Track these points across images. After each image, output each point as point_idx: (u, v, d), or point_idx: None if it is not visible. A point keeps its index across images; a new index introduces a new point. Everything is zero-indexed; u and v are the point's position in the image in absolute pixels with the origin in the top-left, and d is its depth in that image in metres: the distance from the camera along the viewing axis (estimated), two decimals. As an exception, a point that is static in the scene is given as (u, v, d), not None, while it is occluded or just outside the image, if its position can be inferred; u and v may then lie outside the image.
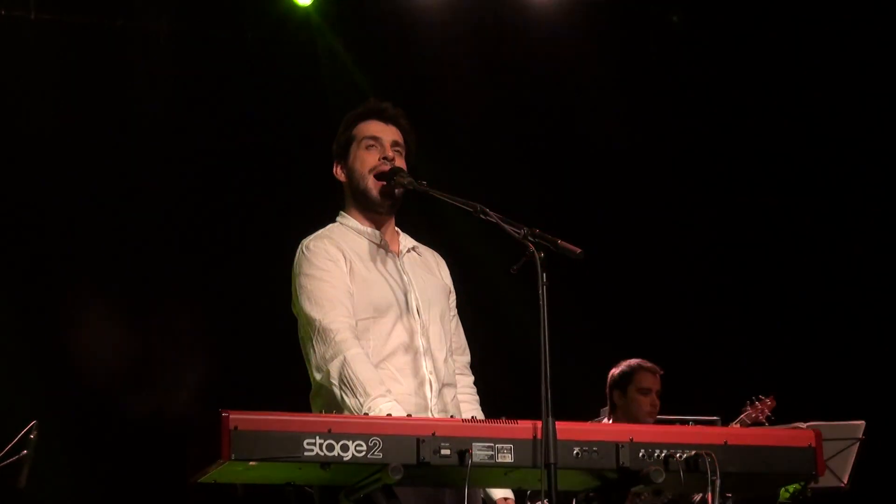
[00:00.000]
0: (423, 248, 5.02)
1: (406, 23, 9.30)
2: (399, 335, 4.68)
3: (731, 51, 9.92)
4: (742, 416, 8.04)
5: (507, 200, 5.35)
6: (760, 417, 8.04)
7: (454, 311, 5.01)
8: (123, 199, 8.67)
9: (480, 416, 4.83)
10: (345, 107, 8.87)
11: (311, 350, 4.60)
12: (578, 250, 4.18)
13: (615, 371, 7.88)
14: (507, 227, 4.29)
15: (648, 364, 7.89)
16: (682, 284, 9.90)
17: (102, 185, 8.64)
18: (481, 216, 4.43)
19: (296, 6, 9.13)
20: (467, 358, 5.03)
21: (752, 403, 8.06)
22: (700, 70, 9.98)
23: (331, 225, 4.90)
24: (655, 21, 9.90)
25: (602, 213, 9.77)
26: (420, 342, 4.71)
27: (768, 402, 8.06)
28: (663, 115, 9.84)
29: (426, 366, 4.69)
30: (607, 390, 7.86)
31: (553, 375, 4.00)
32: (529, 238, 4.18)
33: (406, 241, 4.96)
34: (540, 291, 4.06)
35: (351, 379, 4.41)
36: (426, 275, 4.90)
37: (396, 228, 4.96)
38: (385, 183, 4.77)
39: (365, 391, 4.37)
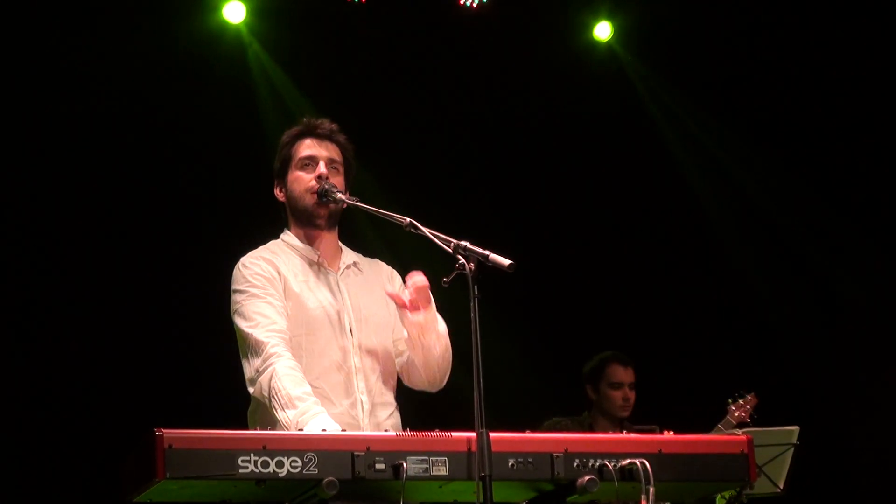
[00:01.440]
0: (366, 263, 5.06)
1: (338, 38, 9.29)
2: (331, 354, 4.74)
3: (667, 55, 10.01)
4: (728, 416, 7.97)
5: (445, 212, 5.38)
6: (745, 416, 7.97)
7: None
8: (55, 214, 8.60)
9: None
10: (278, 122, 9.02)
11: (246, 364, 4.67)
12: (509, 262, 4.20)
13: (586, 365, 7.82)
14: (437, 240, 4.33)
15: (620, 356, 7.84)
16: (623, 292, 9.94)
17: (26, 202, 8.56)
18: (412, 230, 4.48)
19: (227, 23, 9.10)
20: None
21: (735, 401, 7.99)
22: (638, 76, 10.07)
23: (271, 242, 4.98)
24: (589, 30, 9.95)
25: (543, 222, 9.82)
26: (352, 361, 4.76)
27: (750, 398, 7.99)
28: (602, 120, 9.90)
29: (358, 385, 4.73)
30: (583, 388, 7.80)
31: (492, 385, 4.03)
32: (460, 251, 4.22)
33: (347, 256, 5.00)
34: (471, 304, 4.09)
35: (279, 391, 4.46)
36: (365, 292, 4.93)
37: (340, 244, 5.01)
38: (320, 200, 4.82)
39: (291, 402, 4.42)
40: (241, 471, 3.80)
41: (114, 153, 8.65)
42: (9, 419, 8.19)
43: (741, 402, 7.97)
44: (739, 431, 7.66)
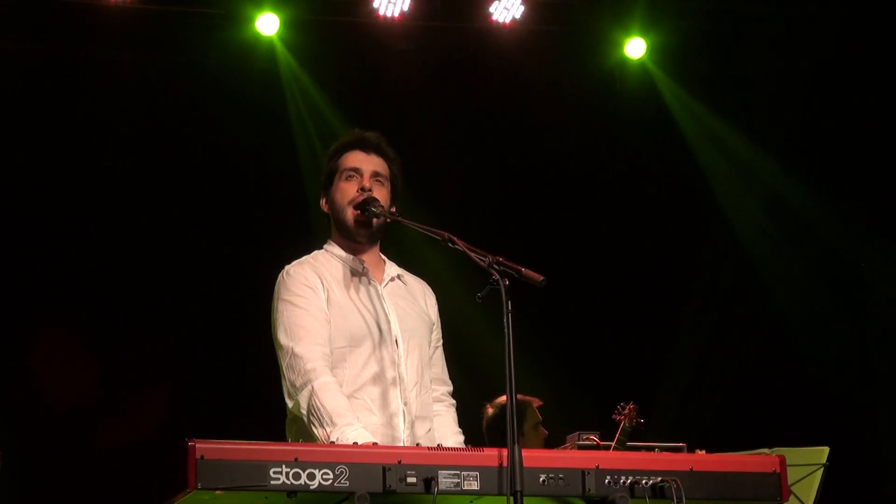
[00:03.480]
0: (409, 277, 5.06)
1: (371, 52, 9.31)
2: (374, 365, 4.73)
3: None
4: (622, 426, 8.02)
5: (474, 226, 5.38)
6: (635, 421, 8.04)
7: (439, 343, 5.05)
8: (86, 227, 8.65)
9: (455, 425, 4.95)
10: (309, 133, 9.04)
11: (284, 377, 4.65)
12: (541, 278, 4.18)
13: (499, 412, 7.72)
14: (472, 255, 4.31)
15: (531, 398, 7.79)
16: (653, 310, 9.91)
17: (65, 215, 8.62)
18: (449, 244, 4.47)
19: (259, 35, 9.12)
20: (449, 388, 5.10)
21: (620, 414, 8.05)
22: (672, 93, 10.05)
23: (316, 251, 4.97)
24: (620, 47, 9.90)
25: (568, 240, 9.80)
26: (395, 373, 4.75)
27: (630, 407, 8.07)
28: (634, 138, 9.86)
29: (400, 397, 4.73)
30: (494, 433, 7.69)
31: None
32: (494, 266, 4.20)
33: (391, 269, 4.99)
34: (505, 319, 4.07)
35: (318, 409, 4.46)
36: (409, 304, 4.93)
37: (382, 256, 5.01)
38: (360, 213, 4.82)
39: (331, 420, 4.42)
40: (272, 482, 3.79)
41: (148, 165, 8.72)
42: (41, 430, 8.23)
43: (624, 413, 8.04)
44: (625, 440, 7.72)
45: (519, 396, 7.64)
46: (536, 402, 7.76)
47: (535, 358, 8.89)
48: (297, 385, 4.56)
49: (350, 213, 4.85)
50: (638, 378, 9.53)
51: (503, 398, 7.69)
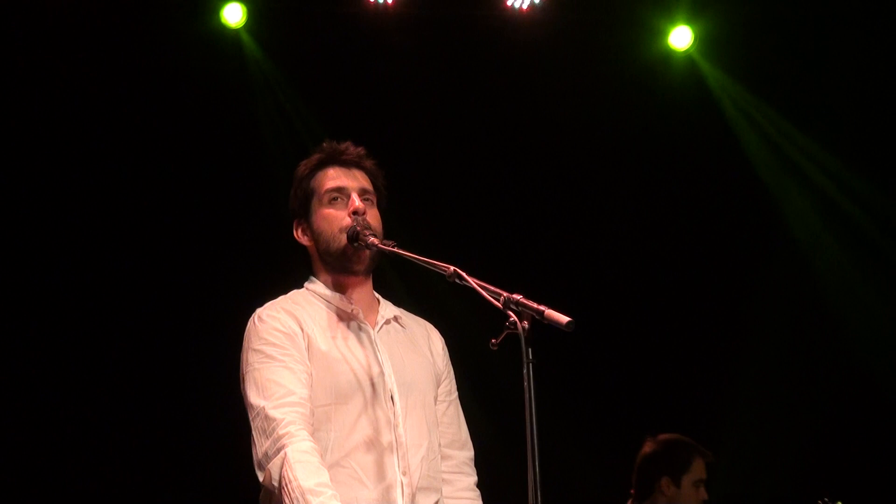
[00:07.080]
0: (409, 319, 4.99)
1: (355, 45, 9.27)
2: (365, 427, 4.60)
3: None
4: None
5: (484, 255, 5.28)
6: None
7: (452, 397, 4.98)
8: (61, 247, 8.85)
9: None
10: (277, 133, 9.03)
11: (254, 445, 4.50)
12: (567, 320, 3.96)
13: (661, 450, 7.55)
14: (484, 293, 4.17)
15: (703, 449, 7.64)
16: (700, 344, 9.85)
17: (36, 237, 8.81)
18: (456, 280, 4.32)
19: (226, 26, 9.24)
20: (469, 454, 4.99)
21: None
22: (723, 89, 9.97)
23: (294, 291, 4.87)
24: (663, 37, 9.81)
25: (603, 263, 9.80)
26: (391, 436, 4.62)
27: None
28: (680, 146, 9.83)
29: (397, 465, 4.59)
30: (646, 473, 7.52)
31: (546, 464, 3.84)
32: (511, 306, 4.05)
33: (386, 310, 4.90)
34: (525, 370, 3.91)
35: (290, 482, 4.28)
36: (408, 352, 4.83)
37: (376, 295, 4.93)
38: (350, 244, 4.72)
39: (304, 498, 4.23)
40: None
41: (103, 174, 8.96)
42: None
43: None
44: None
45: (685, 438, 7.58)
46: (707, 458, 7.55)
47: (564, 404, 8.81)
48: (269, 453, 4.37)
49: (344, 242, 4.71)
50: (691, 427, 9.44)
51: (667, 435, 7.56)
